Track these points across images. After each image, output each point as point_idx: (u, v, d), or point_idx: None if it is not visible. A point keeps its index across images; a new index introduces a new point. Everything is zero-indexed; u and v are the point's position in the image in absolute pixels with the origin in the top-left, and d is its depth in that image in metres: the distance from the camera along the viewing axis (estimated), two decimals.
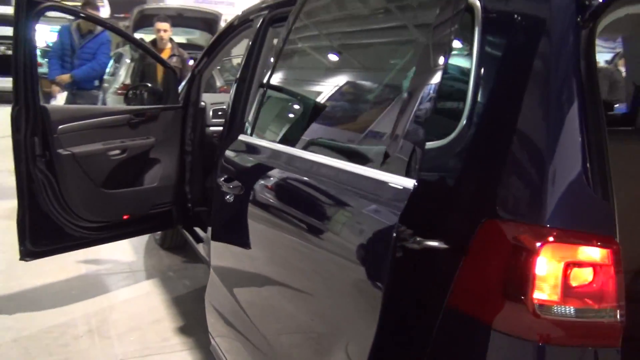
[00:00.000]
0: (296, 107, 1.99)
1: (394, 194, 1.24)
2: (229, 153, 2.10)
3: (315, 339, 1.52)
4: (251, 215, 1.83)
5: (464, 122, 1.35)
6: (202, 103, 3.80)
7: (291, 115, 2.00)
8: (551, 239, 1.13)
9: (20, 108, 2.92)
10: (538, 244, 1.13)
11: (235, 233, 1.95)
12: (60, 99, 5.81)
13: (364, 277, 1.28)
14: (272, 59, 2.09)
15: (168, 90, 3.69)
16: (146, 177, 3.48)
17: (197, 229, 3.53)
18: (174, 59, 6.04)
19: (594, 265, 1.13)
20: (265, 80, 2.05)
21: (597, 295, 1.13)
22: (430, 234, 1.26)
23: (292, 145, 1.72)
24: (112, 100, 8.03)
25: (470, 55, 1.39)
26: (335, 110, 1.68)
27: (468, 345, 1.24)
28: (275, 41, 3.12)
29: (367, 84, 1.72)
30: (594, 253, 1.13)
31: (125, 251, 4.25)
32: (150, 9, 7.89)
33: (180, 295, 3.58)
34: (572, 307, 1.13)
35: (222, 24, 8.22)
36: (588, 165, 1.17)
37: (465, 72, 1.40)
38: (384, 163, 1.29)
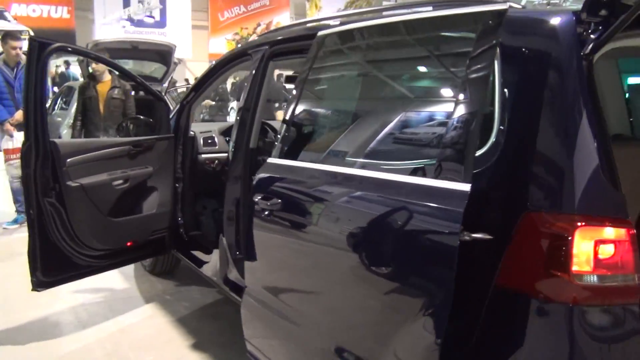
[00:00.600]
0: (341, 131, 2.25)
1: (453, 197, 1.53)
2: (263, 175, 2.33)
3: (385, 325, 1.78)
4: (303, 228, 2.08)
5: (494, 139, 1.67)
6: (192, 132, 4.02)
7: (336, 138, 2.25)
8: (582, 223, 1.46)
9: (30, 144, 3.07)
10: (572, 229, 1.46)
11: (284, 244, 2.18)
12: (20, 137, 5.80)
13: (435, 270, 1.58)
14: (311, 85, 2.36)
15: (160, 121, 3.88)
16: (145, 205, 3.67)
17: (197, 253, 3.70)
18: (116, 90, 5.96)
19: (615, 242, 1.46)
20: (295, 106, 2.31)
21: (619, 265, 1.46)
22: (476, 228, 1.57)
23: (341, 165, 1.99)
24: (69, 134, 8.03)
25: (493, 82, 1.72)
26: (391, 133, 1.96)
27: (516, 311, 1.55)
28: (276, 72, 3.40)
29: (416, 111, 2.02)
30: (615, 233, 1.46)
31: (116, 279, 4.35)
32: (106, 42, 7.96)
33: (183, 316, 3.73)
34: (601, 275, 1.46)
35: (175, 56, 8.39)
36: (601, 164, 1.51)
37: (491, 96, 1.72)
38: (442, 173, 1.59)
